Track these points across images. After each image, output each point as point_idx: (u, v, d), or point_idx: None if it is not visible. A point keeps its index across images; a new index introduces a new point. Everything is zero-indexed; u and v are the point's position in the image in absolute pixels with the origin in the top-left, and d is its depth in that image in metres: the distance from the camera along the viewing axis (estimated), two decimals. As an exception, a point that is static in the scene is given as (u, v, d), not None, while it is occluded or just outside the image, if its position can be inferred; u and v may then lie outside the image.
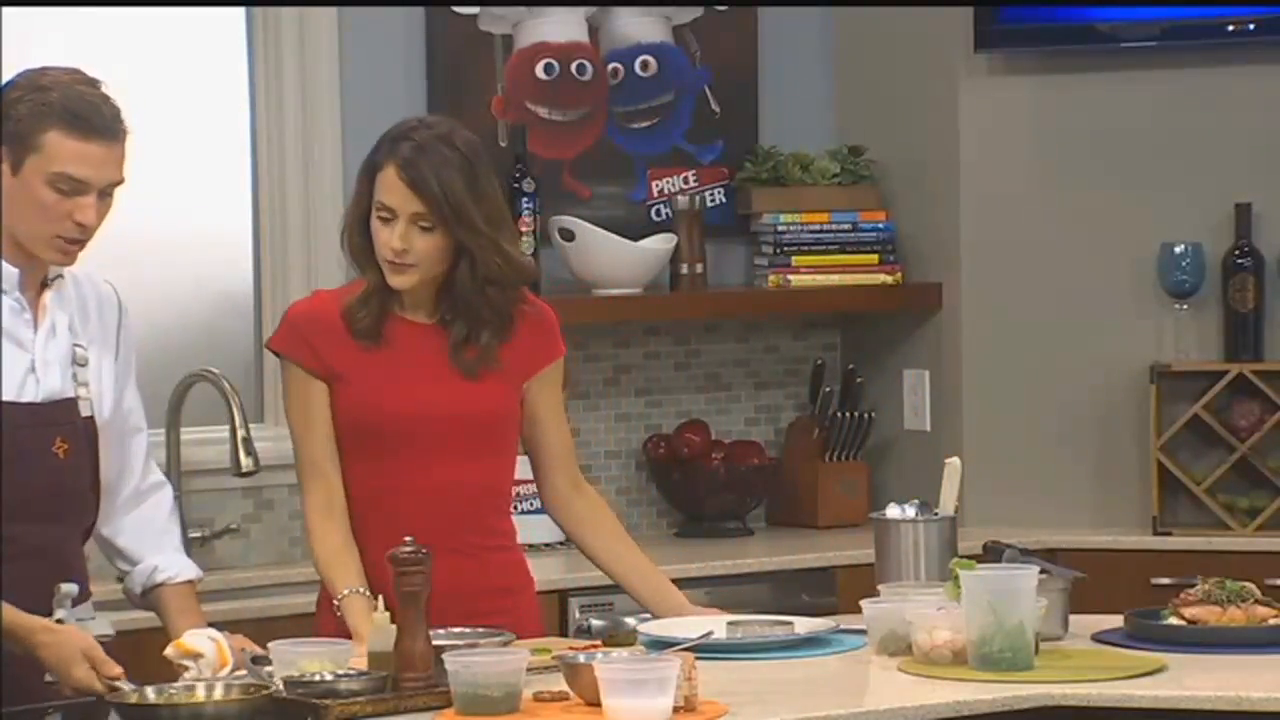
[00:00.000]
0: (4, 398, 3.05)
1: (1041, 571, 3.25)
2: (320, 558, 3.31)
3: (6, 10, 4.30)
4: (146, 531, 3.26)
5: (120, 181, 3.08)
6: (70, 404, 3.13)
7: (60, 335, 3.13)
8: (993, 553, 3.43)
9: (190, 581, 3.26)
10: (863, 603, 3.30)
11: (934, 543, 3.44)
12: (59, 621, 3.08)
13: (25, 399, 3.07)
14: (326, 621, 3.30)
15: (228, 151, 4.65)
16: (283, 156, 4.63)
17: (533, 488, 3.53)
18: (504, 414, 3.37)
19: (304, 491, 3.36)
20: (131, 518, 3.25)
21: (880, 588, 3.39)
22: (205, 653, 2.96)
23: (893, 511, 3.49)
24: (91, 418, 3.15)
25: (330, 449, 3.33)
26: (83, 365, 3.15)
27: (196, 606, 3.24)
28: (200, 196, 4.63)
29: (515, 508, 3.50)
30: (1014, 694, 3.02)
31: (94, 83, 3.09)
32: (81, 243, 3.07)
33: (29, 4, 4.36)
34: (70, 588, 3.10)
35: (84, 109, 3.03)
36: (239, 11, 4.64)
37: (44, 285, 3.14)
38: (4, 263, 3.08)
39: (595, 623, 4.29)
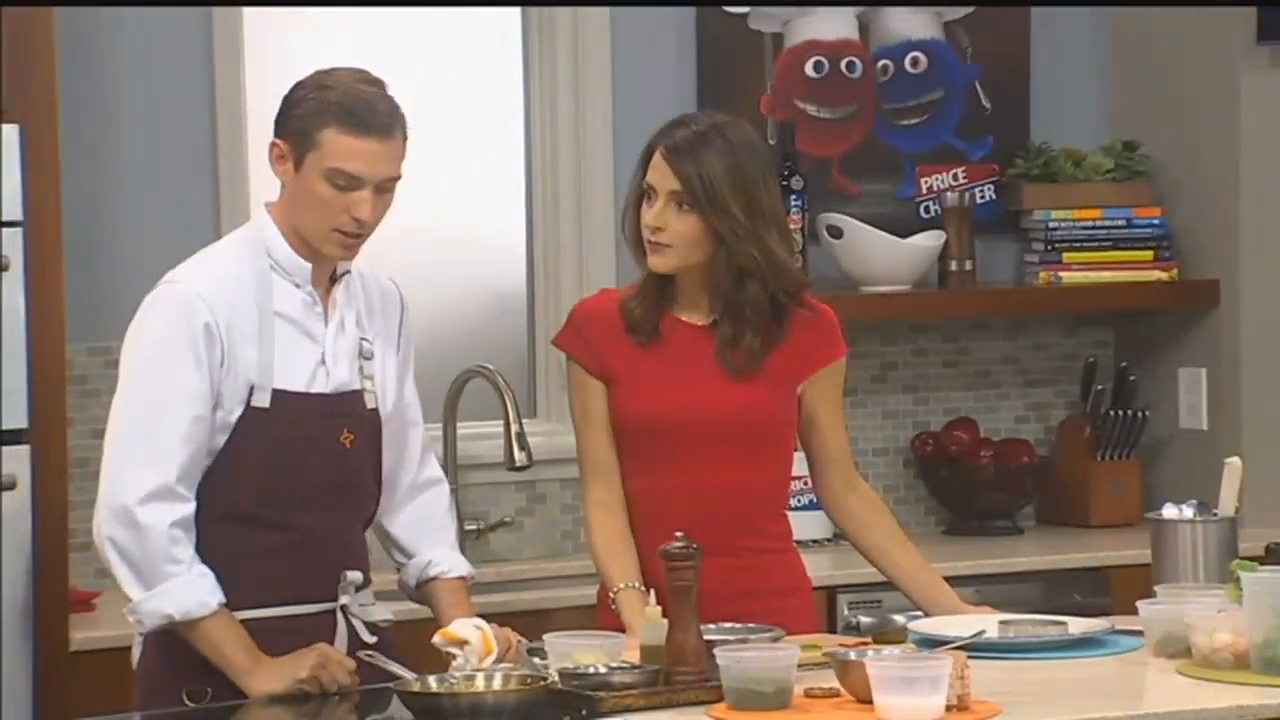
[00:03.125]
0: (295, 389, 3.13)
1: (1326, 574, 3.17)
2: (598, 552, 3.35)
3: (298, 10, 4.42)
4: (424, 526, 3.32)
5: (397, 177, 3.13)
6: (357, 396, 3.20)
7: (349, 329, 3.21)
8: (1275, 555, 3.36)
9: (463, 578, 3.30)
10: (1139, 603, 3.26)
11: (1213, 544, 3.39)
12: (343, 608, 3.17)
13: (315, 390, 3.15)
14: (605, 615, 3.34)
15: (502, 152, 4.72)
16: (555, 156, 4.69)
17: (801, 484, 3.53)
18: (773, 417, 3.35)
19: (584, 487, 3.40)
20: (409, 511, 3.31)
21: (1157, 589, 3.34)
22: (471, 640, 3.02)
23: (1170, 512, 3.44)
24: (376, 410, 3.22)
25: (609, 446, 3.36)
26: (368, 359, 3.22)
27: (468, 601, 3.29)
28: (474, 197, 4.71)
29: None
30: (1297, 699, 2.96)
31: (376, 82, 3.15)
32: (360, 237, 3.13)
33: (322, 4, 4.47)
34: (355, 575, 3.19)
35: (359, 106, 3.09)
36: (514, 12, 4.71)
37: (333, 280, 3.21)
38: (297, 257, 3.17)
39: (864, 620, 4.30)
